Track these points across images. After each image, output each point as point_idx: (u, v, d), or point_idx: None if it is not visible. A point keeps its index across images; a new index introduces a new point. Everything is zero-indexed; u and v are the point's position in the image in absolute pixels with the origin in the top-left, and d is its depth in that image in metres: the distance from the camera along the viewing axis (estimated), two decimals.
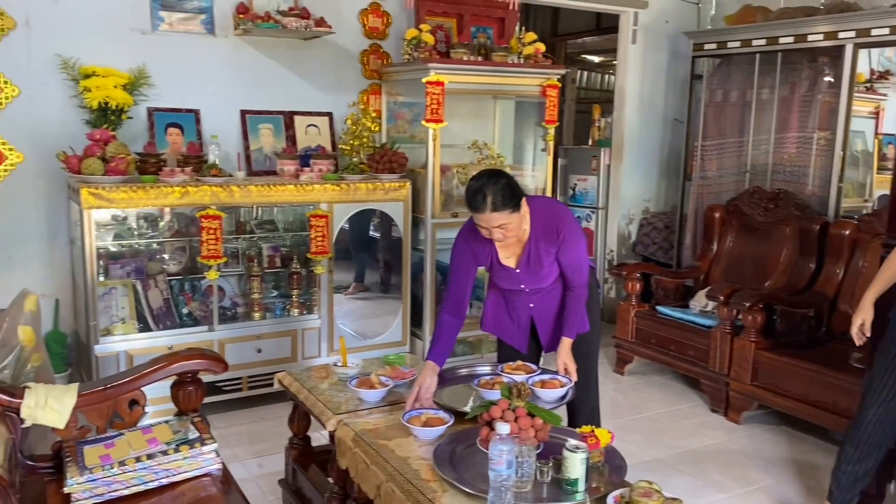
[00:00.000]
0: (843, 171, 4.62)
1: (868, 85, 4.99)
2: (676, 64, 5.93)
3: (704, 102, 5.42)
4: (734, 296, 4.15)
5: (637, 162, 5.96)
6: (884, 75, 5.04)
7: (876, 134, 5.18)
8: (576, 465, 1.98)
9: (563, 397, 2.66)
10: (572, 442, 2.03)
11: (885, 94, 5.09)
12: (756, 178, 5.14)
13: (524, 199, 2.62)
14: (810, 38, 4.68)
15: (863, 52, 4.59)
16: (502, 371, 2.79)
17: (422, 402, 2.54)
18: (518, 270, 2.78)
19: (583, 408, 2.99)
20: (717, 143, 5.40)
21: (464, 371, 2.95)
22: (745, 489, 3.44)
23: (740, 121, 5.27)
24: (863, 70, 4.81)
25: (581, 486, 1.99)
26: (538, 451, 2.11)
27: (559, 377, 2.74)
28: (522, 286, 2.84)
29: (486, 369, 2.92)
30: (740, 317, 4.16)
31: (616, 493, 1.95)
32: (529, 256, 2.74)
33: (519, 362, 2.86)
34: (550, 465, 2.07)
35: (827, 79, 4.74)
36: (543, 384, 2.67)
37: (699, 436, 4.02)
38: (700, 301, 4.73)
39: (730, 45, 5.19)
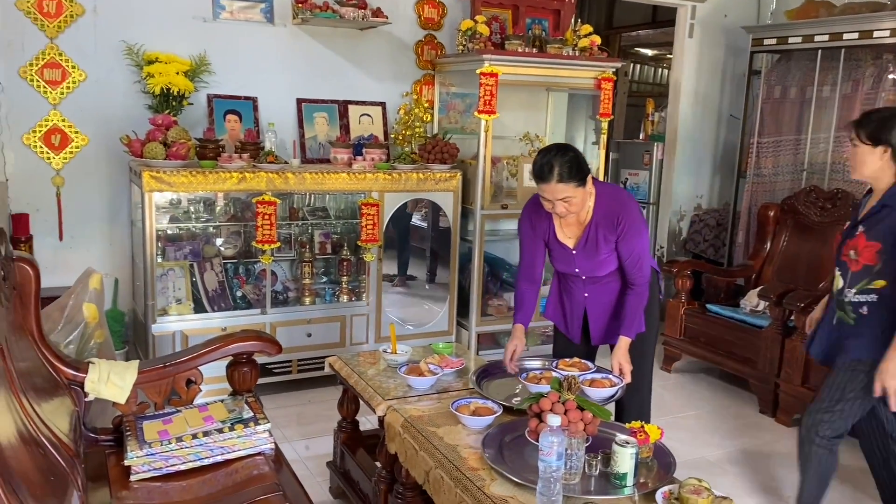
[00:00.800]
0: None
1: None
2: (734, 59, 5.83)
3: (762, 98, 5.31)
4: (787, 296, 4.07)
5: (690, 158, 5.88)
6: None
7: None
8: (625, 460, 1.98)
9: (611, 397, 2.61)
10: (622, 436, 2.04)
11: None
12: (813, 176, 5.03)
13: (590, 179, 2.65)
14: (876, 34, 4.55)
15: None
16: (556, 366, 2.77)
17: (513, 362, 2.80)
18: (574, 252, 2.80)
19: (631, 408, 2.94)
20: (773, 141, 5.29)
21: (517, 365, 2.94)
22: (794, 492, 3.39)
23: (798, 118, 5.16)
24: None
25: (629, 480, 1.99)
26: (587, 444, 2.12)
27: (611, 377, 2.71)
28: (577, 270, 2.84)
29: (538, 363, 2.89)
30: (793, 318, 4.09)
31: (665, 488, 1.95)
32: (587, 239, 2.75)
33: (575, 359, 2.83)
34: (599, 458, 2.08)
35: (892, 76, 4.61)
36: (592, 382, 2.63)
37: (747, 437, 3.97)
38: (751, 300, 4.65)
39: (790, 40, 5.08)
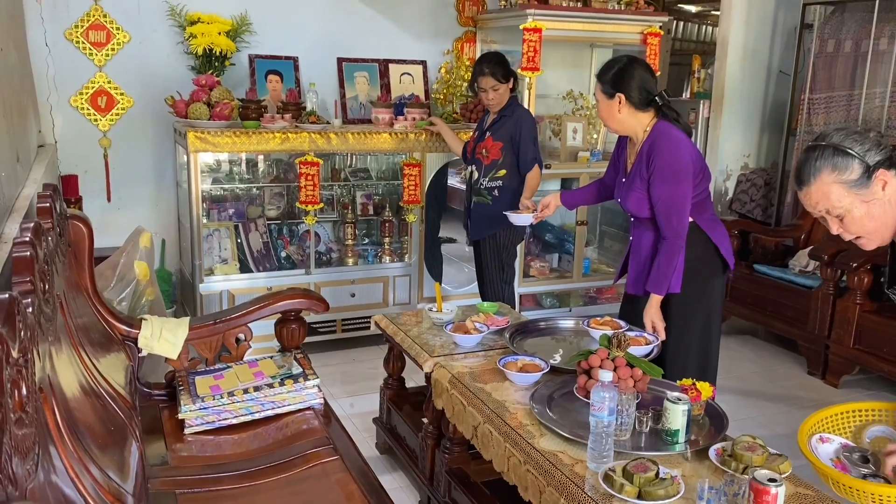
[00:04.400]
0: None
1: None
2: (785, 12, 5.62)
3: (814, 53, 5.13)
4: (839, 256, 3.98)
5: (738, 115, 5.72)
6: None
7: None
8: (677, 417, 1.96)
9: (647, 356, 2.52)
10: (674, 393, 2.01)
11: None
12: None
13: (623, 103, 2.70)
14: None
15: None
16: (588, 325, 2.75)
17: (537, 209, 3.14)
18: (624, 179, 2.82)
19: (672, 375, 2.80)
20: (825, 97, 5.12)
21: (548, 324, 2.95)
22: None
23: (852, 73, 4.98)
24: None
25: (681, 437, 1.97)
26: (637, 401, 2.10)
27: (645, 334, 2.67)
28: (619, 200, 2.86)
29: (571, 324, 2.93)
30: (844, 278, 4.00)
31: (718, 445, 1.93)
32: (634, 167, 2.75)
33: (606, 318, 2.80)
34: (650, 415, 2.06)
35: None
36: None
37: (795, 398, 3.92)
38: (801, 261, 4.56)
39: None
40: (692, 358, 2.85)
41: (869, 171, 1.72)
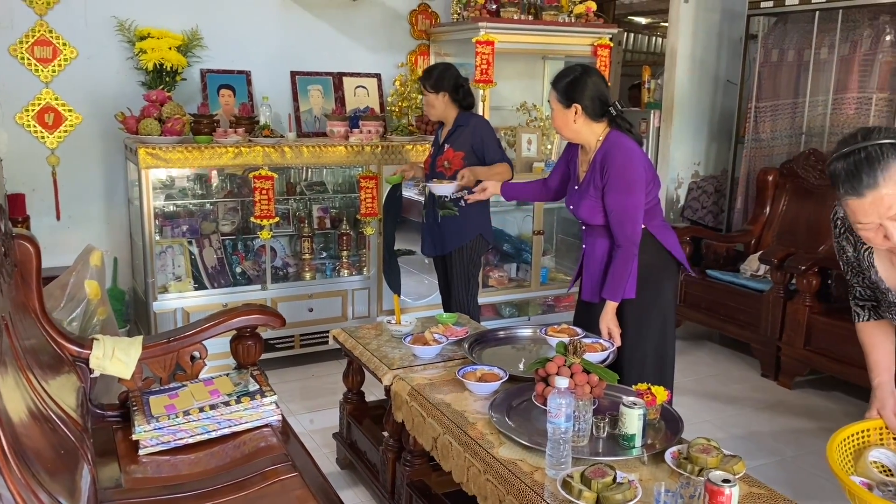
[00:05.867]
0: None
1: None
2: (730, 23, 5.77)
3: (759, 63, 5.27)
4: (788, 259, 4.08)
5: (687, 125, 5.84)
6: None
7: None
8: (633, 421, 1.99)
9: (603, 362, 2.54)
10: (630, 398, 2.04)
11: None
12: (812, 140, 5.01)
13: (580, 113, 2.73)
14: None
15: None
16: (545, 333, 2.77)
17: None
18: (577, 187, 2.85)
19: (629, 380, 2.88)
20: (771, 105, 5.26)
21: (507, 333, 2.96)
22: (797, 452, 3.42)
23: (796, 82, 5.13)
24: None
25: (638, 441, 2.00)
26: (594, 407, 2.12)
27: (602, 341, 2.70)
28: (571, 208, 2.89)
29: (529, 332, 2.95)
30: (794, 281, 4.10)
31: (674, 448, 1.96)
32: (587, 177, 2.78)
33: (563, 325, 2.83)
34: (607, 420, 2.09)
35: (889, 37, 4.57)
36: None
37: (750, 400, 4.00)
38: (752, 265, 4.66)
39: (787, 2, 5.02)
40: (649, 362, 2.90)
41: None
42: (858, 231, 1.70)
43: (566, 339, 2.48)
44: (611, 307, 2.77)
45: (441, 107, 3.67)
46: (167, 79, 4.01)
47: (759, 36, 5.31)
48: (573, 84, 2.73)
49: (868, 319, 2.02)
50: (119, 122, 3.86)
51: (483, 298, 4.67)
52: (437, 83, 3.62)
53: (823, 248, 4.50)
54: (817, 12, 4.87)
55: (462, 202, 3.61)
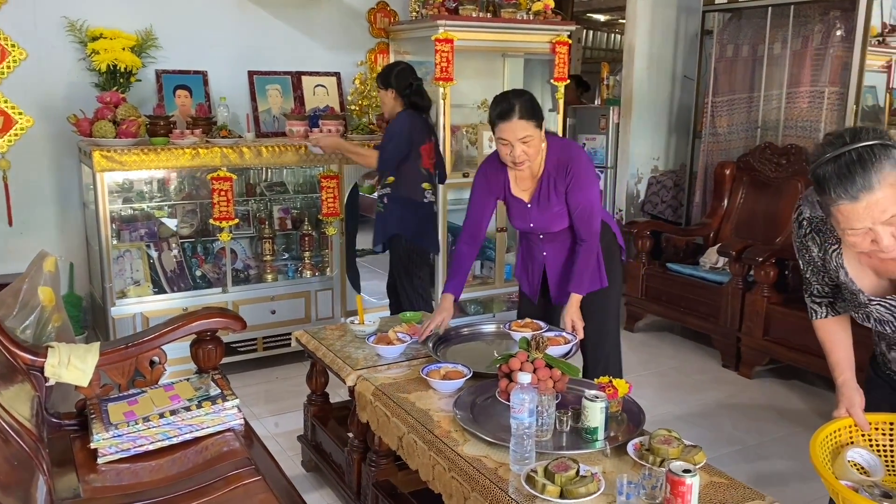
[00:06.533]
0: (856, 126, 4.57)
1: (880, 39, 4.91)
2: (686, 19, 5.86)
3: (715, 58, 5.36)
4: (746, 251, 4.15)
5: (646, 120, 5.91)
6: None
7: (888, 89, 5.12)
8: (595, 414, 2.00)
9: (566, 354, 2.60)
10: (591, 392, 2.05)
11: None
12: (767, 133, 5.10)
13: (544, 130, 2.68)
14: None
15: (875, 5, 4.52)
16: (509, 328, 2.79)
17: (440, 328, 2.82)
18: (529, 206, 2.81)
19: (596, 366, 2.96)
20: (727, 100, 5.35)
21: (471, 330, 2.97)
22: (759, 441, 3.48)
23: (751, 76, 5.22)
24: (874, 23, 4.74)
25: (600, 434, 2.02)
26: (557, 401, 2.14)
27: (564, 334, 2.73)
28: (532, 226, 2.85)
29: (493, 328, 2.97)
30: (752, 272, 4.17)
31: (636, 440, 1.98)
32: (541, 192, 2.76)
33: (527, 319, 2.86)
34: (569, 414, 2.10)
35: (839, 32, 4.67)
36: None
37: (711, 390, 4.06)
38: (711, 258, 4.73)
39: None
40: (610, 348, 3.02)
41: None
42: (846, 237, 1.61)
43: (529, 335, 2.52)
44: (575, 300, 2.80)
45: (389, 103, 3.85)
46: (121, 80, 3.93)
47: (715, 31, 5.39)
48: (533, 102, 2.66)
49: (826, 316, 2.01)
50: (72, 125, 3.77)
51: None
52: (384, 79, 3.82)
53: (780, 239, 4.59)
54: (770, 8, 4.96)
55: (385, 199, 3.83)
